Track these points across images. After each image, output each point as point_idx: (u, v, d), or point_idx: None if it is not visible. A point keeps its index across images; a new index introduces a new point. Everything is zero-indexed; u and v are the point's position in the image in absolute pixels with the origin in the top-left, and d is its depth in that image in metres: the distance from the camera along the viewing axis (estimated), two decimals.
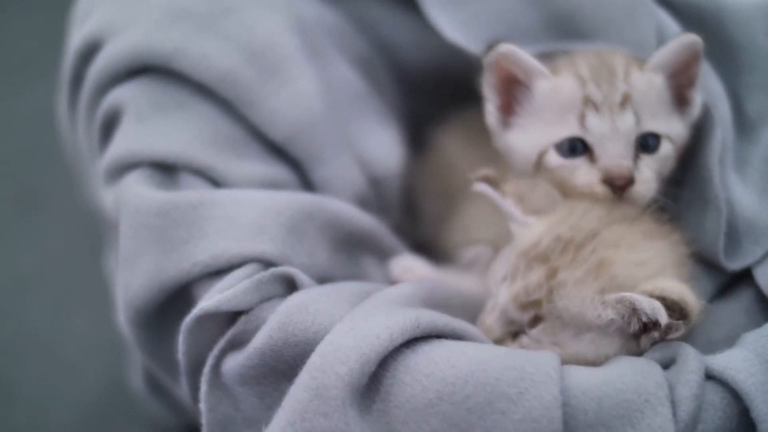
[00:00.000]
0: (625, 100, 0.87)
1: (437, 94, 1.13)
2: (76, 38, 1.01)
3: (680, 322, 0.75)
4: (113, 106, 0.96)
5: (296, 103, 0.97)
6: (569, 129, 0.88)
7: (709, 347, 0.80)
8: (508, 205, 0.87)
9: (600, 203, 0.86)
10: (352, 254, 0.95)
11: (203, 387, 0.82)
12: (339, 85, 1.04)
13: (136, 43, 0.95)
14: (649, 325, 0.76)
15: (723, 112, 0.94)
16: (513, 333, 0.82)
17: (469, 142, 1.06)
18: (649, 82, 0.89)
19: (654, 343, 0.79)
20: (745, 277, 0.91)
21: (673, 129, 0.90)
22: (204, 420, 0.83)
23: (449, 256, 1.03)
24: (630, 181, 0.86)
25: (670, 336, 0.77)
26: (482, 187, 0.88)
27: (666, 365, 0.76)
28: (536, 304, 0.80)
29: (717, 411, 0.72)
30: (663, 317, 0.74)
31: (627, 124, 0.87)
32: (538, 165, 0.90)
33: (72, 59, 1.00)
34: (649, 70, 0.90)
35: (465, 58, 1.01)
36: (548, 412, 0.69)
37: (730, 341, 0.81)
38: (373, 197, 1.04)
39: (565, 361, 0.76)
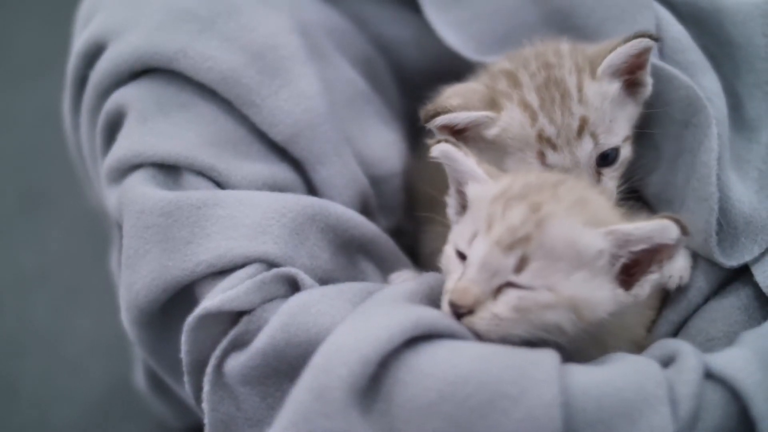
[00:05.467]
0: (582, 126, 0.88)
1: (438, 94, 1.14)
2: (79, 40, 1.01)
3: (684, 237, 0.77)
4: (116, 107, 0.96)
5: (297, 104, 0.97)
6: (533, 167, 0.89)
7: (707, 345, 0.81)
8: (472, 162, 0.85)
9: None
10: (352, 259, 0.96)
11: (206, 387, 0.82)
12: (340, 85, 1.05)
13: (139, 44, 0.95)
14: (645, 255, 0.77)
15: (719, 109, 0.94)
16: (496, 289, 0.78)
17: None
18: (603, 92, 0.89)
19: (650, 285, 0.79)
20: (743, 274, 0.91)
21: (628, 116, 0.91)
22: (206, 420, 0.83)
23: (429, 263, 1.00)
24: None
25: (664, 265, 0.78)
26: (444, 146, 0.85)
27: (665, 364, 0.77)
28: (525, 240, 0.77)
29: (716, 410, 0.73)
30: (674, 231, 0.76)
31: (585, 151, 0.89)
32: None
33: (75, 61, 1.01)
34: (603, 80, 0.90)
35: (465, 59, 1.02)
36: (548, 411, 0.69)
37: (728, 339, 0.82)
38: (374, 196, 1.04)
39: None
